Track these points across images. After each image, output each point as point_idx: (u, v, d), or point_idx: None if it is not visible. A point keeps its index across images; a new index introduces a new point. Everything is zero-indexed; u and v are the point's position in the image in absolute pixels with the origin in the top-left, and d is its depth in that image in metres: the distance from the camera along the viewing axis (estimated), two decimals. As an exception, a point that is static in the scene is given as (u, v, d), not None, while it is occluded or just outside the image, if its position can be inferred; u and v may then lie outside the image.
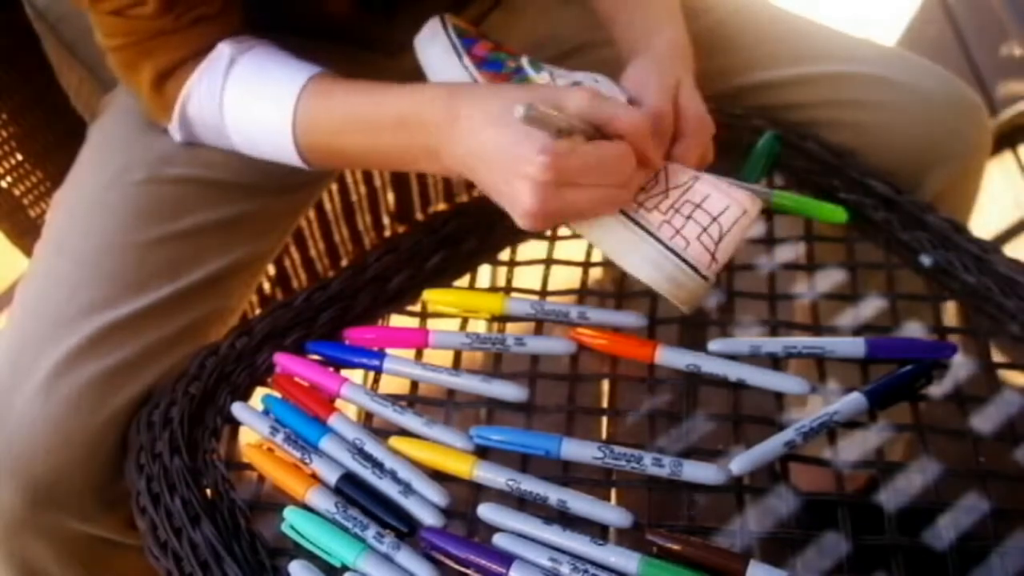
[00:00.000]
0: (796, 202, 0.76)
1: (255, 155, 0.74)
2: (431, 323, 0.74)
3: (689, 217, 0.64)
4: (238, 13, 0.73)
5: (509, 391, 0.66)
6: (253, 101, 0.71)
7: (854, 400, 0.64)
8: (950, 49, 1.80)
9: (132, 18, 0.68)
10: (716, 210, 0.64)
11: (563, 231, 0.80)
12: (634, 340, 0.68)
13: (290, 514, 0.60)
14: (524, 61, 0.72)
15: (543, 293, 0.75)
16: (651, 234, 0.64)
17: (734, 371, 0.66)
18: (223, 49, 0.71)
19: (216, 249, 0.75)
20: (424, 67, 0.73)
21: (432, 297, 0.74)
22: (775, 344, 0.69)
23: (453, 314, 0.73)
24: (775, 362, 0.69)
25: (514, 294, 0.75)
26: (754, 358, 0.69)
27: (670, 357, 0.67)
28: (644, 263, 0.64)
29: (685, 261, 0.64)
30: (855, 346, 0.68)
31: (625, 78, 0.70)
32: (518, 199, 0.61)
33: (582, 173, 0.60)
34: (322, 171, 0.86)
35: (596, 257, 0.79)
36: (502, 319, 0.72)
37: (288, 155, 0.71)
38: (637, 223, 0.64)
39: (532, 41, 0.85)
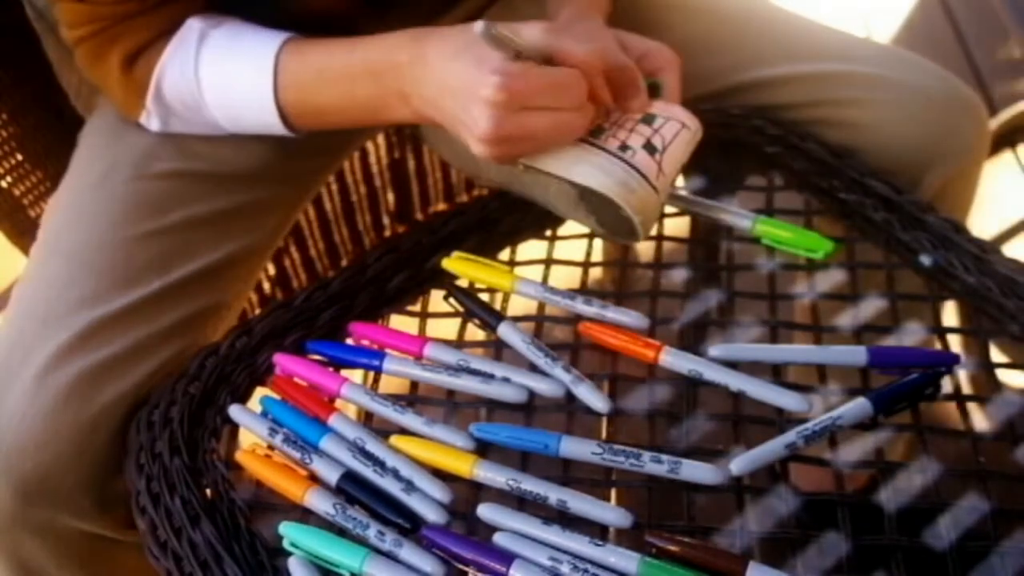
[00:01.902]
0: (780, 237, 0.76)
1: (236, 127, 0.74)
2: (431, 324, 0.74)
3: (632, 131, 0.67)
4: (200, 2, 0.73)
5: (508, 392, 0.66)
6: (231, 69, 0.71)
7: (859, 405, 0.64)
8: (950, 49, 1.80)
9: (97, 4, 0.68)
10: (657, 123, 0.68)
11: (562, 231, 0.80)
12: (640, 339, 0.68)
13: (288, 529, 0.60)
14: None
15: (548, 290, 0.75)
16: (597, 146, 0.66)
17: (735, 381, 0.66)
18: (192, 24, 0.71)
19: (207, 243, 0.75)
20: None
21: (450, 264, 0.75)
22: (776, 353, 0.69)
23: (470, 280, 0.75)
24: (776, 365, 0.69)
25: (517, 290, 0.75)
26: (755, 363, 0.69)
27: (674, 361, 0.67)
28: (594, 171, 0.65)
29: (634, 167, 0.66)
30: (856, 355, 0.68)
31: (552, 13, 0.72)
32: (476, 122, 0.61)
33: (536, 94, 0.62)
34: (314, 164, 0.86)
35: (596, 257, 0.79)
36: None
37: (271, 119, 0.72)
38: (580, 139, 0.66)
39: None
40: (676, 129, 0.68)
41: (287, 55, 0.70)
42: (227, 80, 0.71)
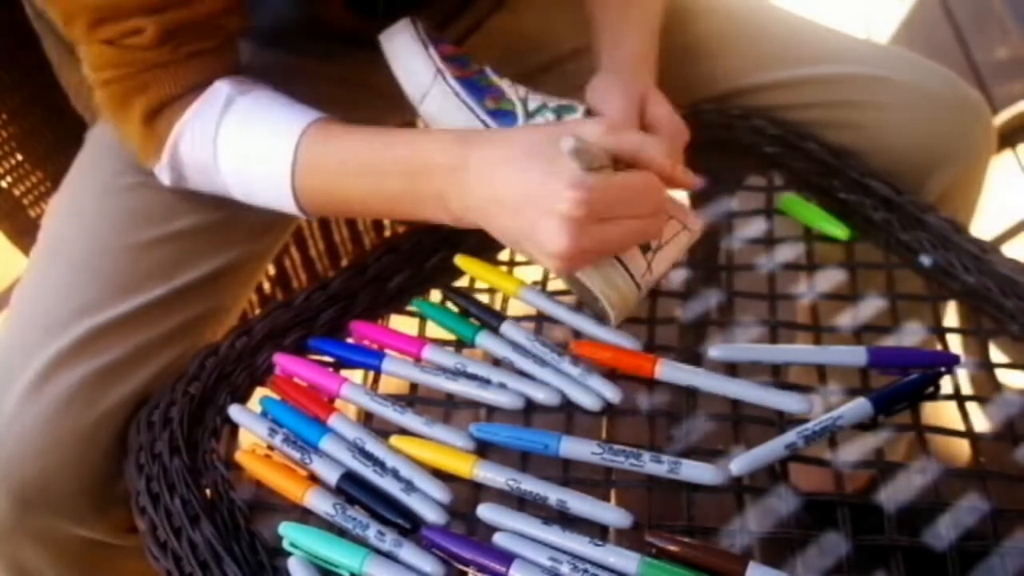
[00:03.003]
0: (803, 210, 0.77)
1: (248, 200, 0.71)
2: (431, 324, 0.74)
3: None
4: (237, 52, 0.71)
5: (505, 399, 0.66)
6: (250, 141, 0.68)
7: (859, 405, 0.64)
8: (950, 49, 1.80)
9: (127, 48, 0.65)
10: None
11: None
12: (634, 354, 0.68)
13: (288, 529, 0.60)
14: (487, 67, 0.73)
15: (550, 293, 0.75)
16: None
17: (733, 389, 0.66)
18: (221, 87, 0.68)
19: (210, 250, 0.75)
20: (389, 59, 0.72)
21: (461, 263, 0.75)
22: (776, 353, 0.69)
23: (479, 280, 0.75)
24: (776, 365, 0.69)
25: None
26: (755, 363, 0.69)
27: (670, 373, 0.67)
28: None
29: (622, 264, 0.64)
30: (856, 355, 0.68)
31: (590, 88, 0.70)
32: (550, 239, 0.58)
33: (615, 206, 0.59)
34: None
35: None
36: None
37: (284, 199, 0.69)
38: None
39: (530, 44, 0.85)
40: (676, 231, 0.66)
41: (312, 139, 0.67)
42: (244, 153, 0.68)
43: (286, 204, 0.69)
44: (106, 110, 0.70)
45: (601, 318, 0.69)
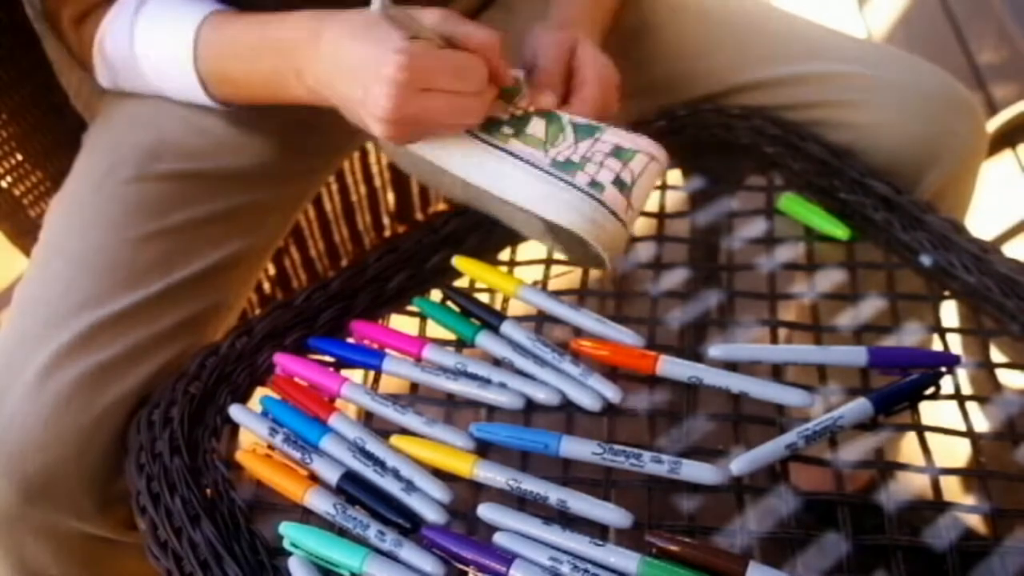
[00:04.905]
0: (803, 210, 0.77)
1: (172, 94, 0.76)
2: (431, 324, 0.74)
3: (601, 164, 0.66)
4: None
5: (505, 398, 0.66)
6: (160, 30, 0.73)
7: (860, 406, 0.64)
8: (950, 49, 1.80)
9: None
10: (625, 157, 0.67)
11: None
12: (635, 351, 0.68)
13: (288, 529, 0.60)
14: None
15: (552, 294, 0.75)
16: (568, 182, 0.66)
17: (736, 383, 0.66)
18: None
19: (208, 244, 0.75)
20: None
21: (459, 264, 0.75)
22: (776, 353, 0.69)
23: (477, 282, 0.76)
24: (776, 365, 0.69)
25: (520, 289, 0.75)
26: (755, 363, 0.69)
27: (672, 369, 0.67)
28: (565, 209, 0.65)
29: (603, 204, 0.65)
30: (856, 355, 0.68)
31: (525, 43, 0.72)
32: (376, 102, 0.61)
33: (438, 75, 0.62)
34: (314, 164, 0.86)
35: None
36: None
37: (194, 88, 0.74)
38: (551, 174, 0.66)
39: (523, 41, 0.85)
40: (644, 163, 0.67)
41: (208, 26, 0.72)
42: (156, 46, 0.74)
43: (196, 91, 0.74)
44: (48, 23, 0.77)
45: (596, 265, 0.70)
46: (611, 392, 0.66)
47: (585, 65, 0.70)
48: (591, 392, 0.66)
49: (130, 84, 0.78)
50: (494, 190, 0.67)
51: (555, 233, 0.69)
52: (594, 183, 0.66)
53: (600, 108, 0.70)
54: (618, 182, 0.66)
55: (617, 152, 0.67)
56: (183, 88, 0.75)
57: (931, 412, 0.67)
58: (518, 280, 0.74)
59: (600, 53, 0.71)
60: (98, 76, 0.78)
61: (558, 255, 0.75)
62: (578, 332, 0.71)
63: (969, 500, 0.62)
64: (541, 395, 0.66)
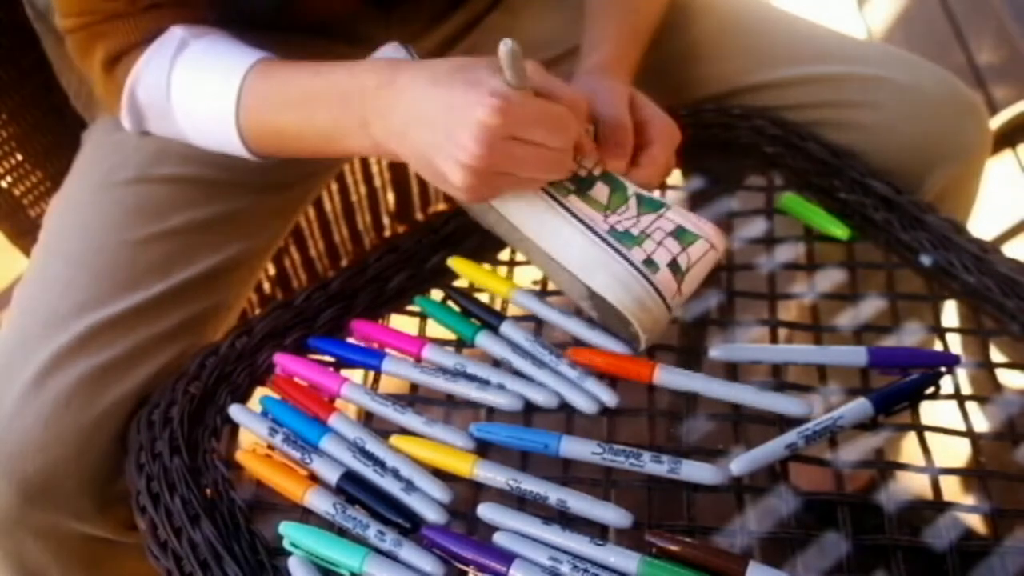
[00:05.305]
0: (803, 210, 0.77)
1: (203, 142, 0.73)
2: (431, 324, 0.74)
3: (660, 243, 0.64)
4: (194, 8, 0.72)
5: (504, 400, 0.66)
6: (200, 80, 0.70)
7: (860, 406, 0.64)
8: (950, 49, 1.80)
9: None
10: (686, 240, 0.65)
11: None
12: (632, 360, 0.68)
13: (288, 529, 0.60)
14: None
15: (543, 293, 0.75)
16: (623, 255, 0.64)
17: (734, 394, 0.66)
18: (175, 31, 0.70)
19: (209, 246, 0.75)
20: None
21: (455, 265, 0.75)
22: (776, 353, 0.69)
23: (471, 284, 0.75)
24: (776, 365, 0.69)
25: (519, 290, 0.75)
26: (755, 363, 0.69)
27: (669, 379, 0.67)
28: (614, 283, 0.63)
29: (654, 286, 0.64)
30: (856, 355, 0.68)
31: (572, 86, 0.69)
32: (463, 147, 0.58)
33: (532, 125, 0.59)
34: (315, 167, 0.86)
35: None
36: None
37: (232, 139, 0.70)
38: (607, 242, 0.64)
39: (529, 44, 0.85)
40: (704, 250, 0.65)
41: (255, 77, 0.68)
42: (194, 93, 0.70)
43: (234, 143, 0.70)
44: (74, 57, 0.73)
45: (630, 340, 0.67)
46: (607, 396, 0.66)
47: (651, 124, 0.68)
48: (588, 396, 0.66)
49: (157, 130, 0.74)
50: (546, 246, 0.65)
51: (596, 300, 0.66)
52: (649, 261, 0.64)
53: (667, 170, 0.68)
54: (674, 265, 0.64)
55: (679, 233, 0.65)
56: (220, 141, 0.71)
57: (931, 412, 0.67)
58: (512, 283, 0.74)
59: (659, 109, 0.69)
60: (123, 119, 0.74)
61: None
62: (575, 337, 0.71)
63: (969, 500, 0.62)
64: (539, 398, 0.66)
